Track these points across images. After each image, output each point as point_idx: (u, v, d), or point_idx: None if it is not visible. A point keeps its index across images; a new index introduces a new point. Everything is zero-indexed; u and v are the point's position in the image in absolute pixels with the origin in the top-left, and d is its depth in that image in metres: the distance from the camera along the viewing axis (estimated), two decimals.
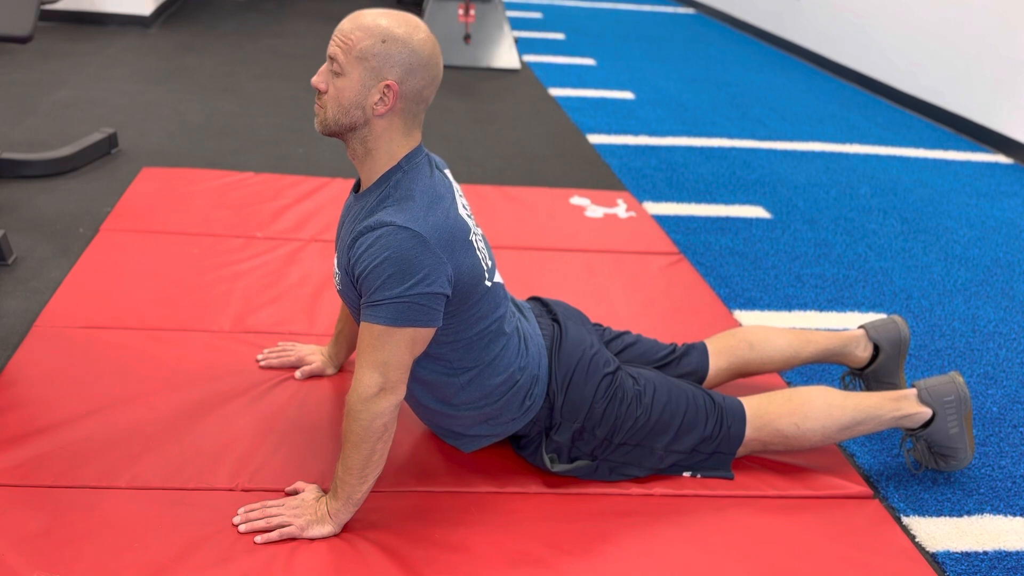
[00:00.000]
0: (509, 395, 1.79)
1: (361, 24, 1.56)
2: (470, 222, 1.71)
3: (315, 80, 1.60)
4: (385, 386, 1.59)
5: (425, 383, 1.75)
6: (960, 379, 1.96)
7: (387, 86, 1.56)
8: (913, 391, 1.97)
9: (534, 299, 2.08)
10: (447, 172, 1.77)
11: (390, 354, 1.58)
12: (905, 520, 1.89)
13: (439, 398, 1.78)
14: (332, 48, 1.57)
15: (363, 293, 1.59)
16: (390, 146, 1.62)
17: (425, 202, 1.60)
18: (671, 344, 2.13)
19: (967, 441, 1.95)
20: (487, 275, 1.71)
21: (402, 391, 1.62)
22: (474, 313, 1.69)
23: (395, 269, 1.53)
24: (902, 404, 1.95)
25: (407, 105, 1.60)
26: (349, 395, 1.61)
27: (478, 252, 1.69)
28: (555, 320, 1.96)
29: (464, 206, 1.74)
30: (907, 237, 3.43)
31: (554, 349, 1.87)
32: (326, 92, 1.60)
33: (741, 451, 1.92)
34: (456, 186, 1.76)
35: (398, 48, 1.55)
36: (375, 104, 1.57)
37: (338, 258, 1.71)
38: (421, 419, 1.88)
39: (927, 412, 1.94)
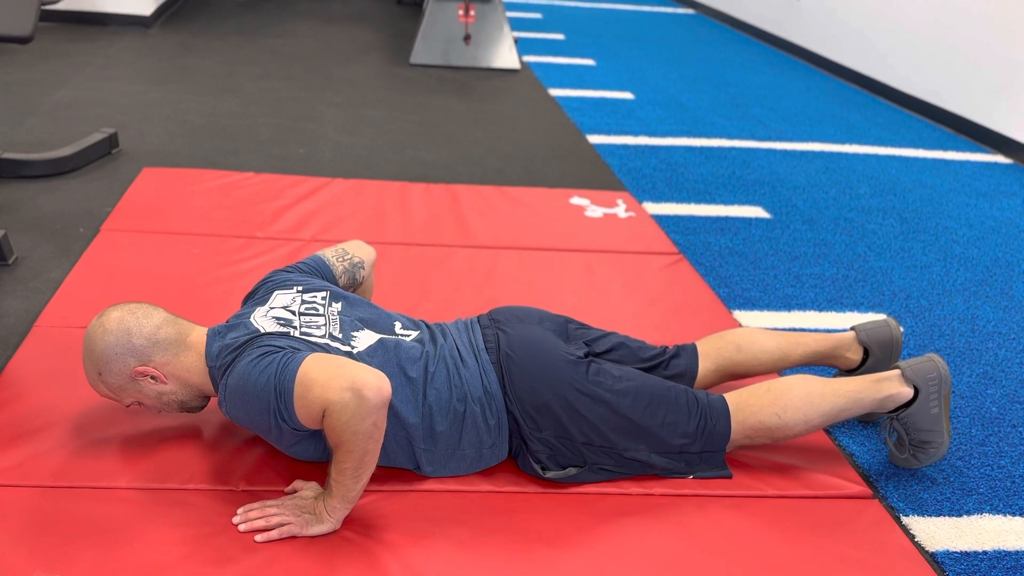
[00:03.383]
0: (466, 429, 1.80)
1: (93, 387, 1.81)
2: (295, 324, 1.78)
3: (152, 415, 1.91)
4: (354, 386, 1.52)
5: (399, 462, 1.80)
6: (939, 359, 1.97)
7: (139, 375, 1.75)
8: (896, 372, 1.97)
9: (491, 311, 2.05)
10: (264, 305, 1.84)
11: (322, 373, 1.57)
12: (905, 520, 1.90)
13: (417, 466, 1.82)
14: (119, 404, 1.86)
15: (275, 411, 1.63)
16: (194, 374, 1.78)
17: (239, 352, 1.71)
18: (662, 346, 2.12)
19: (944, 424, 1.95)
20: (340, 345, 1.77)
21: (383, 384, 1.55)
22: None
23: (253, 378, 1.64)
24: (883, 385, 1.95)
25: (160, 353, 1.75)
26: (327, 420, 1.56)
27: (310, 340, 1.74)
28: (500, 329, 1.93)
29: (282, 319, 1.79)
30: (906, 237, 3.43)
31: (502, 360, 1.85)
32: (154, 410, 1.85)
33: (728, 446, 1.92)
34: (276, 301, 1.85)
35: (106, 363, 1.74)
36: (156, 385, 1.77)
37: (273, 442, 1.77)
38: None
39: (909, 392, 1.94)
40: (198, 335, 1.80)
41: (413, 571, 1.61)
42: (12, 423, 1.90)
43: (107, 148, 3.57)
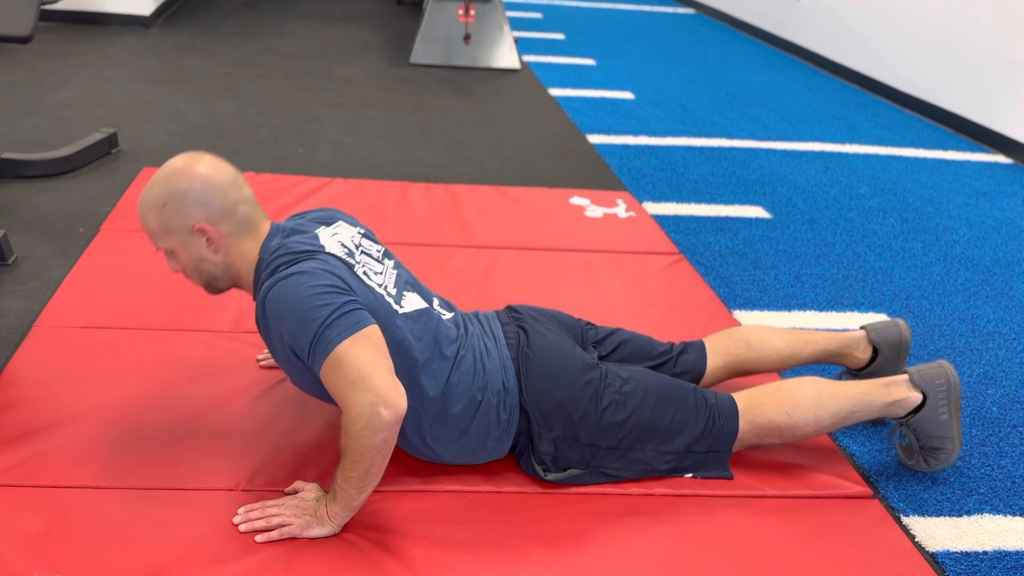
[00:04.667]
0: (478, 417, 1.79)
1: (143, 209, 1.70)
2: (358, 259, 1.74)
3: (171, 268, 1.77)
4: (376, 399, 1.52)
5: (405, 441, 1.79)
6: (949, 365, 1.97)
7: (199, 230, 1.68)
8: (903, 376, 1.97)
9: (508, 308, 2.05)
10: (330, 229, 1.79)
11: (358, 366, 1.54)
12: (905, 520, 1.89)
13: (418, 443, 1.80)
14: (152, 242, 1.73)
15: (302, 350, 1.60)
16: (245, 260, 1.74)
17: (297, 259, 1.66)
18: (668, 343, 2.12)
19: (955, 431, 1.95)
20: (393, 302, 1.73)
21: (400, 404, 1.55)
22: (400, 340, 1.69)
23: (305, 306, 1.57)
24: (891, 389, 1.95)
25: (229, 224, 1.70)
26: (343, 419, 1.57)
27: (368, 283, 1.71)
28: (521, 327, 1.93)
29: (345, 245, 1.75)
30: (907, 237, 3.43)
31: (520, 358, 1.85)
32: (181, 270, 1.76)
33: (736, 445, 1.92)
34: (340, 229, 1.80)
35: (176, 201, 1.66)
36: (206, 249, 1.71)
37: (277, 359, 1.75)
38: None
39: (917, 397, 1.94)
40: (265, 228, 1.75)
41: (413, 571, 1.61)
42: (12, 423, 1.90)
43: (107, 148, 3.57)
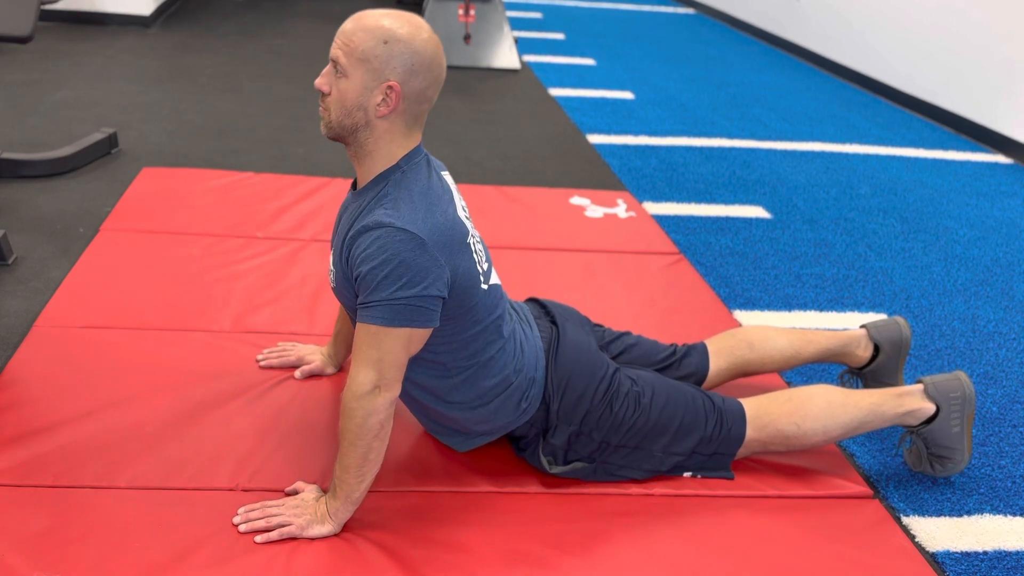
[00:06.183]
0: (503, 397, 1.79)
1: (363, 25, 1.56)
2: (468, 225, 1.72)
3: (318, 82, 1.61)
4: (379, 383, 1.59)
5: (417, 384, 1.76)
6: (966, 378, 1.96)
7: (389, 87, 1.57)
8: (918, 387, 1.96)
9: (532, 300, 2.08)
10: (446, 174, 1.78)
11: (385, 352, 1.58)
12: (905, 520, 1.89)
13: (432, 395, 1.79)
14: (334, 50, 1.58)
15: (360, 292, 1.60)
16: (390, 147, 1.64)
17: (423, 203, 1.61)
18: (672, 345, 2.13)
19: (965, 443, 1.94)
20: (483, 278, 1.72)
21: (397, 389, 1.63)
22: (470, 317, 1.69)
23: (392, 271, 1.55)
24: (905, 400, 1.95)
25: (409, 106, 1.61)
26: (344, 392, 1.61)
27: (474, 255, 1.70)
28: (553, 322, 1.95)
29: (463, 208, 1.74)
30: (907, 237, 3.43)
31: (551, 352, 1.87)
32: (329, 94, 1.61)
33: (741, 452, 1.92)
34: (455, 188, 1.77)
35: (400, 49, 1.55)
36: (377, 105, 1.58)
37: (334, 256, 1.73)
38: (413, 414, 1.89)
39: (930, 408, 1.93)
40: (418, 138, 1.67)
41: (413, 571, 1.61)
42: (12, 423, 1.90)
43: (107, 148, 3.57)
